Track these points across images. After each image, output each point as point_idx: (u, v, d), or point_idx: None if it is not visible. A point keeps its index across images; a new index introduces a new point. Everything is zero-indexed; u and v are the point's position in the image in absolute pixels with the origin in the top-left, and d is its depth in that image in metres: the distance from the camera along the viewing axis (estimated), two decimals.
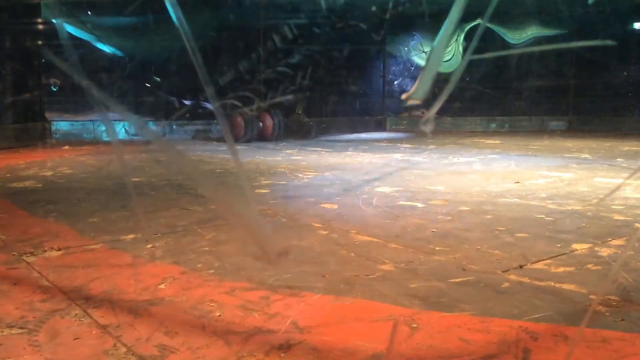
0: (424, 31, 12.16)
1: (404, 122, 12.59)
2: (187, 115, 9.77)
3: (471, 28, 11.20)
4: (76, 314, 1.71)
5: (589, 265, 2.21)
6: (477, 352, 1.45)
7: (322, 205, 3.55)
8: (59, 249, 2.45)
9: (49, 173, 5.11)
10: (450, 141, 9.08)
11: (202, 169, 5.45)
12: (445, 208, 3.42)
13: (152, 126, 9.60)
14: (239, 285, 1.97)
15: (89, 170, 5.33)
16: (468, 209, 3.40)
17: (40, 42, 8.53)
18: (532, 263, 2.24)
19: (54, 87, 9.19)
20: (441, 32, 1.25)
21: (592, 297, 1.87)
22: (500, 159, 6.42)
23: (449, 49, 10.99)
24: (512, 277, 2.07)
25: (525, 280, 2.03)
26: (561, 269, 2.16)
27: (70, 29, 9.01)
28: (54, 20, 8.27)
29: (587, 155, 6.74)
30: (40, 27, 8.56)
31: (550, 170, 5.29)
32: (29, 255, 2.36)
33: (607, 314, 1.70)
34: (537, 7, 11.82)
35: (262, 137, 9.24)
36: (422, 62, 12.43)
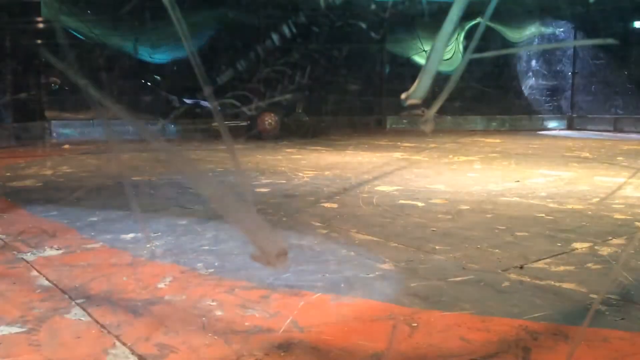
0: (424, 30, 12.14)
1: (404, 121, 12.58)
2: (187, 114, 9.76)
3: (471, 27, 11.19)
4: (76, 313, 1.71)
5: (589, 264, 2.21)
6: (477, 351, 1.45)
7: (322, 204, 3.55)
8: (59, 248, 2.45)
9: (49, 172, 5.11)
10: (450, 140, 9.08)
11: (201, 168, 5.45)
12: (446, 207, 3.42)
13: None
14: (239, 284, 1.97)
15: (89, 170, 5.33)
16: (468, 207, 3.40)
17: (39, 41, 8.52)
18: (533, 262, 2.24)
19: (54, 87, 9.18)
20: (441, 30, 1.25)
21: (593, 296, 1.87)
22: (501, 157, 6.42)
23: (449, 48, 10.98)
24: (513, 276, 2.07)
25: (526, 279, 2.03)
26: (561, 268, 2.16)
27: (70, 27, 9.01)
28: (53, 20, 8.27)
29: (587, 154, 6.74)
30: (40, 26, 8.55)
31: (550, 169, 5.29)
32: (28, 254, 2.36)
33: (608, 313, 1.70)
34: (537, 6, 11.81)
35: None
36: (422, 61, 12.42)
